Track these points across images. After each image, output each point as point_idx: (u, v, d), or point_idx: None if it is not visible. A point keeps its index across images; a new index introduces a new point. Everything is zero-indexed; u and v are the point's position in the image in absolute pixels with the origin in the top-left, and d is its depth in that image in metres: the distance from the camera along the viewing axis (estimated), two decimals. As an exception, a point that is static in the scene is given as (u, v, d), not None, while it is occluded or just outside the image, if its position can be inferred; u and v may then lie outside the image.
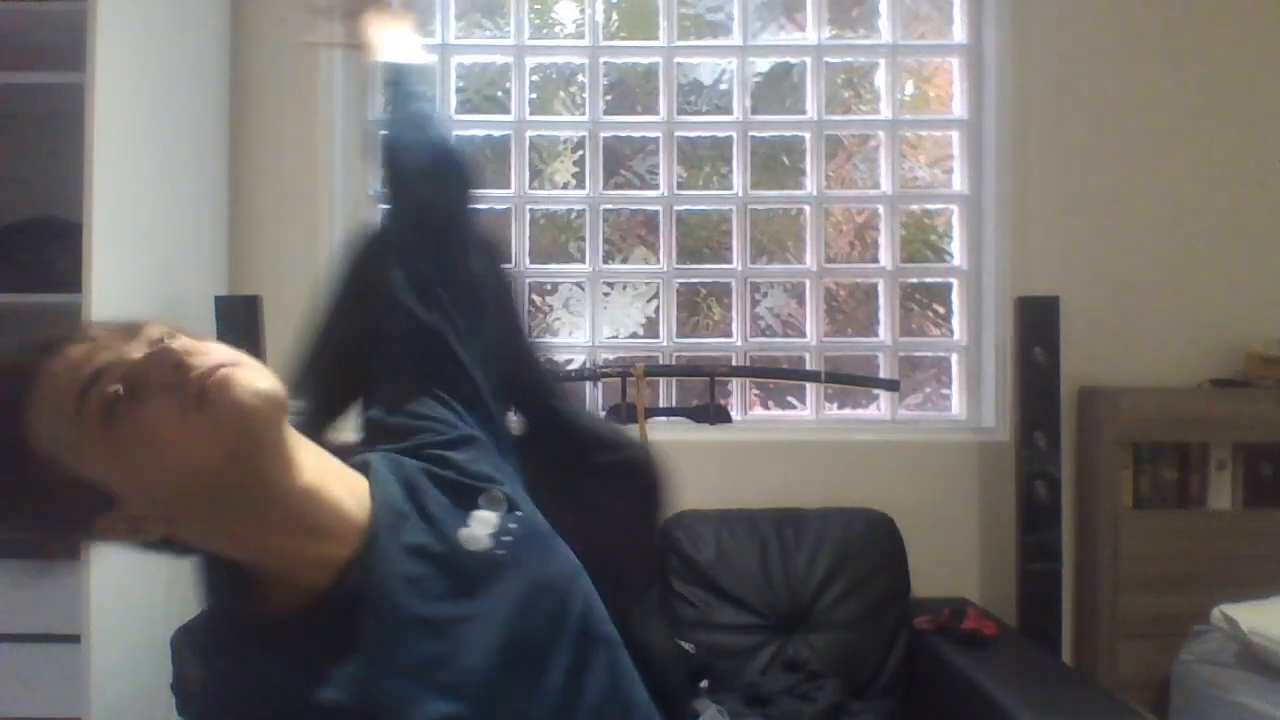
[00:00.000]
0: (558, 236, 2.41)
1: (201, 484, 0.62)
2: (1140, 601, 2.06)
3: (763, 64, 2.42)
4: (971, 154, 2.37)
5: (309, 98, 2.27)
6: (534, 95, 2.40)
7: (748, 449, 2.25)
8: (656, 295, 2.39)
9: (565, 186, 2.42)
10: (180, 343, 0.63)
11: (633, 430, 1.15)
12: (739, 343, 2.36)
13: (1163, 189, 2.28)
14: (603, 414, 1.02)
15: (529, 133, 2.39)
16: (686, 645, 1.87)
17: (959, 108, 2.40)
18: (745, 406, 2.36)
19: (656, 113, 2.39)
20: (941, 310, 2.41)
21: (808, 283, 2.39)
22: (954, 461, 2.26)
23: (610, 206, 2.39)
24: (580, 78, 2.40)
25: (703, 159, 2.42)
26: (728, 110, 2.40)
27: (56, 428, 0.61)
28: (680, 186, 2.39)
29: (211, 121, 2.17)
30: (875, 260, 2.40)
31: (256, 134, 2.27)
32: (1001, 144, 2.29)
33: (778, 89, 2.43)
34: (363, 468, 0.75)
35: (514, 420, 0.98)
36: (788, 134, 2.41)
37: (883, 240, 2.39)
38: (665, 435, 2.11)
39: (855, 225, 2.43)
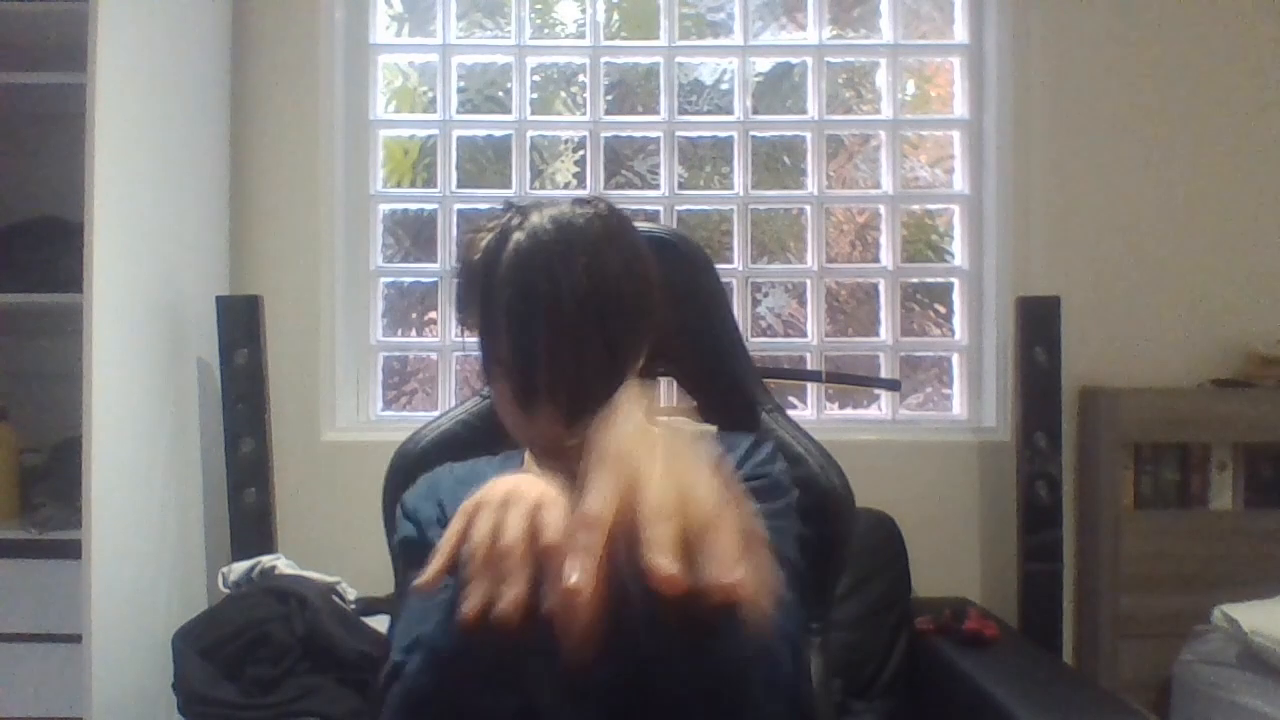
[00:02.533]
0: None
1: None
2: (1141, 602, 2.06)
3: (764, 64, 2.41)
4: (973, 154, 2.37)
5: (309, 98, 2.27)
6: (535, 95, 2.40)
7: (748, 449, 2.25)
8: (657, 295, 2.38)
9: (566, 187, 2.42)
10: None
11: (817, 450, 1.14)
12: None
13: (1164, 189, 2.27)
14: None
15: (530, 133, 2.39)
16: None
17: (960, 107, 2.39)
18: (746, 406, 2.36)
19: (657, 113, 2.39)
20: (942, 310, 2.41)
21: (809, 283, 2.39)
22: (955, 461, 2.26)
23: (611, 206, 2.39)
24: (581, 78, 2.40)
25: (704, 159, 2.42)
26: (728, 110, 2.40)
27: None
28: (681, 186, 2.39)
29: (212, 121, 2.17)
30: (876, 260, 2.40)
31: (256, 134, 2.27)
32: (1003, 144, 2.29)
33: (779, 89, 2.42)
34: None
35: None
36: (789, 134, 2.41)
37: (884, 240, 2.39)
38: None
39: (856, 225, 2.43)
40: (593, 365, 0.82)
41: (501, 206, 0.90)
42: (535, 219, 0.84)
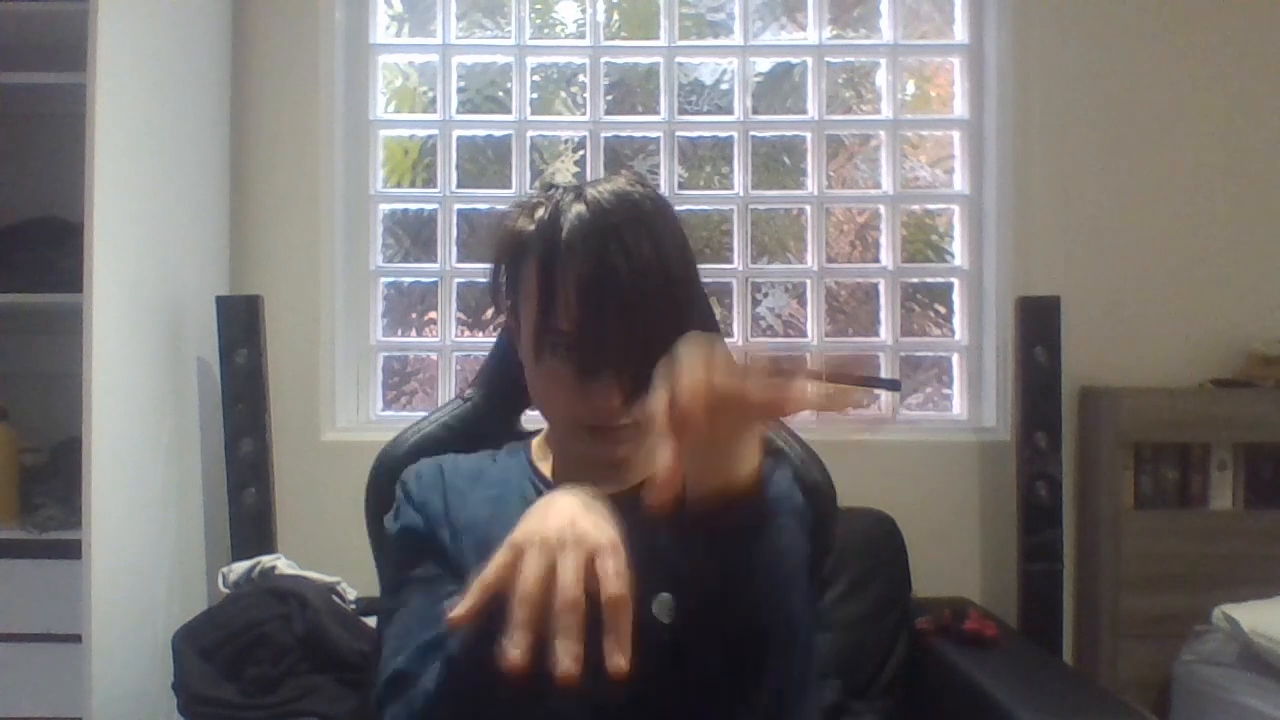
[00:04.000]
0: (558, 236, 2.41)
1: None
2: (1141, 602, 2.06)
3: (764, 64, 2.41)
4: (973, 154, 2.37)
5: (309, 98, 2.27)
6: (535, 95, 2.40)
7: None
8: (657, 295, 2.38)
9: (566, 186, 2.41)
10: None
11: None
12: (740, 343, 2.36)
13: (1164, 189, 2.27)
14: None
15: (530, 133, 2.39)
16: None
17: (960, 107, 2.39)
18: (746, 406, 2.35)
19: (657, 113, 2.39)
20: (943, 310, 2.41)
21: (809, 283, 2.39)
22: (955, 461, 2.26)
23: (611, 206, 2.39)
24: (581, 78, 2.40)
25: (704, 159, 2.42)
26: (728, 110, 2.40)
27: None
28: (681, 186, 2.39)
29: (211, 121, 2.17)
30: (876, 260, 2.40)
31: (256, 134, 2.27)
32: (1003, 144, 2.29)
33: (779, 89, 2.42)
34: None
35: None
36: (789, 134, 2.40)
37: (884, 240, 2.39)
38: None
39: (856, 225, 2.43)
40: (658, 339, 0.79)
41: (540, 188, 0.89)
42: (593, 192, 0.83)
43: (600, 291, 0.79)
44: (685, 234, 0.88)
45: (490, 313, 2.39)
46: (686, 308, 0.85)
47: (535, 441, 0.99)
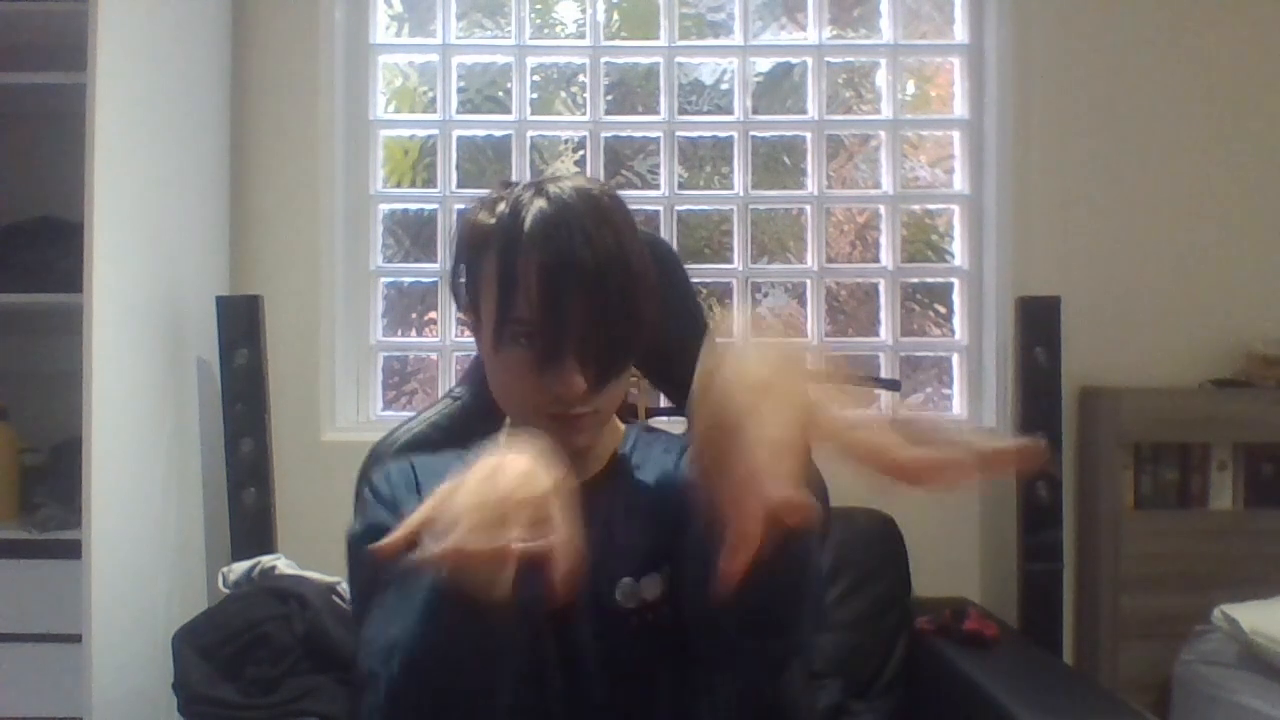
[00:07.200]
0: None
1: None
2: (1141, 602, 2.06)
3: (764, 64, 2.41)
4: (973, 154, 2.37)
5: (309, 98, 2.27)
6: (535, 95, 2.40)
7: (748, 449, 2.24)
8: (657, 295, 2.38)
9: (566, 186, 2.41)
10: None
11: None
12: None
13: (1164, 189, 2.27)
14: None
15: (530, 133, 2.39)
16: None
17: (960, 107, 2.39)
18: (746, 407, 2.35)
19: (657, 113, 2.39)
20: (943, 310, 2.41)
21: (809, 283, 2.39)
22: (955, 462, 2.26)
23: (611, 206, 2.39)
24: (581, 78, 2.40)
25: (704, 159, 2.41)
26: (728, 110, 2.40)
27: None
28: (681, 186, 2.39)
29: (211, 121, 2.17)
30: (876, 260, 2.40)
31: (256, 134, 2.27)
32: (1003, 144, 2.29)
33: (779, 89, 2.42)
34: None
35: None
36: (789, 134, 2.40)
37: (884, 240, 2.39)
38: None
39: (856, 225, 2.43)
40: (620, 331, 0.82)
41: (500, 183, 0.90)
42: (554, 188, 0.84)
43: (562, 278, 0.80)
44: (640, 232, 0.90)
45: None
46: (646, 301, 0.86)
47: (502, 440, 0.99)
